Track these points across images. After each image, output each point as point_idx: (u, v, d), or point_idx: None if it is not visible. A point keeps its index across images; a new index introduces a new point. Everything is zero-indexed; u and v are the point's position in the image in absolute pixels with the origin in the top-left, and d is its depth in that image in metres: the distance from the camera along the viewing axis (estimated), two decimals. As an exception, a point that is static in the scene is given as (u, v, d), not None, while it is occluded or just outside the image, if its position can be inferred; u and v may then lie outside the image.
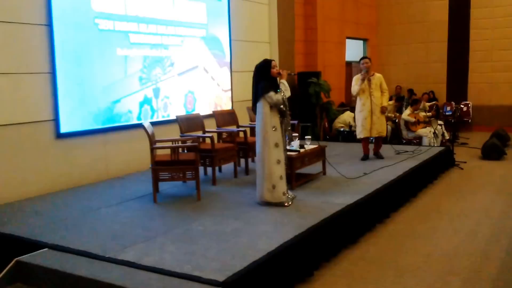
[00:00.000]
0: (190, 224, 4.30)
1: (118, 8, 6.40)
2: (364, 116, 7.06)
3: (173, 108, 7.31)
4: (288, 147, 5.39)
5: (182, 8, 7.46)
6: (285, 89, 4.90)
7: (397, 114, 10.30)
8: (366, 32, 13.52)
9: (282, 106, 4.79)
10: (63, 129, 5.75)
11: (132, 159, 6.57)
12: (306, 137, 6.27)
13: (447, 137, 10.21)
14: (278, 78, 4.91)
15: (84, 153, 6.02)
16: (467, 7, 12.81)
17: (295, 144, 5.73)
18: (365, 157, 7.24)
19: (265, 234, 3.96)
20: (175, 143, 5.57)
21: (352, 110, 8.82)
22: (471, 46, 12.90)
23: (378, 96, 7.02)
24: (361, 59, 7.15)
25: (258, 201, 4.90)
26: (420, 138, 9.48)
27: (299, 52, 10.69)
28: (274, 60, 4.94)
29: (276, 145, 4.78)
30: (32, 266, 3.55)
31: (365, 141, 7.23)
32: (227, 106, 8.40)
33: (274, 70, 4.84)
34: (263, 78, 4.80)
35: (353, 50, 12.84)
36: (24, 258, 3.63)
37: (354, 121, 10.35)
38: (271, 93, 4.72)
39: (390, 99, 10.53)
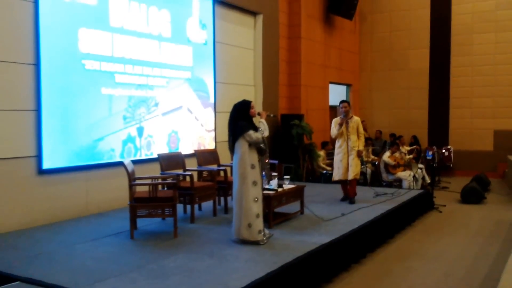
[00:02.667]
0: (164, 260, 4.32)
1: (105, 50, 6.61)
2: (340, 159, 7.22)
3: (157, 147, 7.43)
4: (266, 186, 5.49)
5: (169, 51, 7.71)
6: (265, 129, 5.05)
7: (375, 158, 10.50)
8: (349, 77, 13.95)
9: (262, 144, 4.94)
10: (46, 165, 5.81)
11: (113, 196, 6.61)
12: (284, 177, 6.38)
13: (428, 181, 10.39)
14: (258, 117, 5.08)
15: (65, 189, 6.06)
16: (447, 55, 13.34)
17: (274, 183, 5.83)
18: (345, 198, 7.34)
19: (237, 271, 3.99)
20: (155, 181, 5.64)
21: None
22: (451, 93, 13.35)
23: (355, 139, 7.18)
24: (341, 102, 7.36)
25: (234, 238, 4.94)
26: (400, 180, 9.64)
27: (283, 95, 10.98)
28: (252, 101, 5.12)
29: (254, 183, 4.88)
30: (2, 300, 3.54)
31: (342, 182, 7.35)
32: (210, 146, 8.54)
33: (253, 110, 5.02)
34: (242, 117, 4.97)
35: (337, 95, 13.19)
36: (-5, 291, 3.63)
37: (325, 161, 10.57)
38: (251, 132, 4.87)
39: (367, 140, 10.75)
